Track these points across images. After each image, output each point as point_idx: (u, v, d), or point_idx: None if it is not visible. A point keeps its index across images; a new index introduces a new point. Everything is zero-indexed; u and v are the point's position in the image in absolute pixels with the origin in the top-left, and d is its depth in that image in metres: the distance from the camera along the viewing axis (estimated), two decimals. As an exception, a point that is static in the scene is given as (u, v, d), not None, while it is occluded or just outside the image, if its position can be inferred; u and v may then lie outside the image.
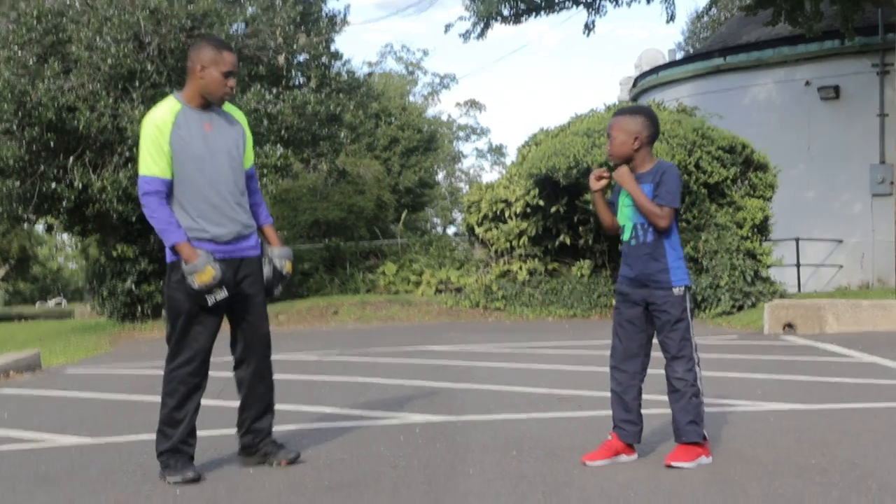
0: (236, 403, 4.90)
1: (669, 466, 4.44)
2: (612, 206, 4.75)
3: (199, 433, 5.65)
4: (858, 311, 10.85)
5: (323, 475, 4.54)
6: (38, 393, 7.93)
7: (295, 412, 6.20)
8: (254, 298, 4.74)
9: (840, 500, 3.87)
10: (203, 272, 4.41)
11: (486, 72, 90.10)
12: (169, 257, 4.63)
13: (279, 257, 4.84)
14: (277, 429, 5.09)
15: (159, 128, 4.52)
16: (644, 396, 4.68)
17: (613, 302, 15.81)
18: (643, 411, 4.66)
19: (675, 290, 4.54)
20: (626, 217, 4.65)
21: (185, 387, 4.61)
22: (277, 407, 4.95)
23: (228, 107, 4.79)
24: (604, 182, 4.64)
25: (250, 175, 4.85)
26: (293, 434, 5.46)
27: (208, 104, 4.66)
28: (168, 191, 4.55)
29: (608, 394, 4.71)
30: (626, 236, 4.65)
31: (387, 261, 18.81)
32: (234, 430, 4.91)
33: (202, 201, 4.57)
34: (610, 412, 4.69)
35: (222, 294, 4.48)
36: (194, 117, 4.60)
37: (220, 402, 6.79)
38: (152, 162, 4.51)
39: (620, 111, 4.70)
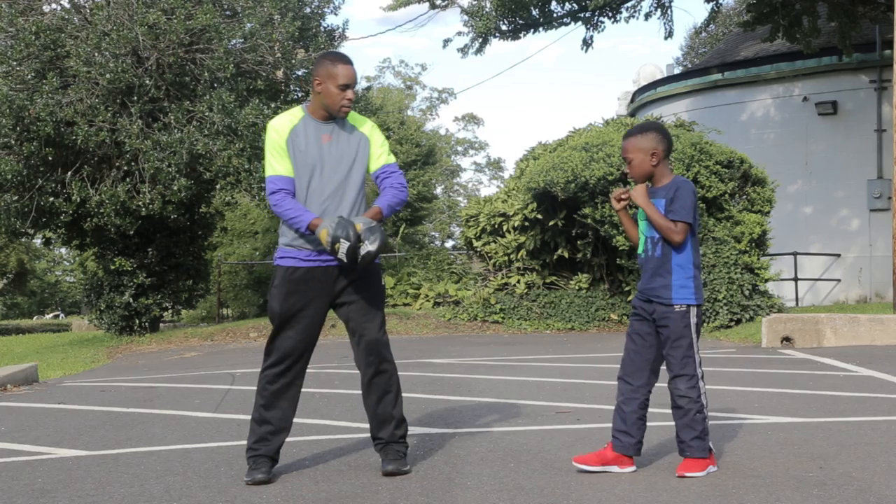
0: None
1: (682, 477, 4.46)
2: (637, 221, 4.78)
3: (193, 445, 5.68)
4: (856, 325, 10.86)
5: (321, 487, 4.53)
6: (35, 406, 7.92)
7: (293, 424, 6.18)
8: (354, 305, 4.82)
9: (838, 513, 3.87)
10: (320, 236, 4.57)
11: (485, 86, 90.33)
12: (274, 260, 4.83)
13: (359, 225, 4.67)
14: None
15: (278, 132, 4.74)
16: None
17: (611, 315, 15.81)
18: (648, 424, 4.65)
19: (676, 308, 4.55)
20: (640, 231, 4.69)
21: (272, 386, 4.77)
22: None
23: (353, 117, 4.89)
24: (624, 202, 4.66)
25: (381, 172, 4.89)
26: (290, 446, 5.45)
27: (331, 117, 4.78)
28: (293, 189, 4.71)
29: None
30: (640, 249, 4.69)
31: (385, 274, 18.80)
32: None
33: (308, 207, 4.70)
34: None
35: (342, 248, 4.55)
36: (314, 127, 4.76)
37: (217, 415, 6.79)
38: (276, 163, 4.73)
39: (630, 132, 4.69)
